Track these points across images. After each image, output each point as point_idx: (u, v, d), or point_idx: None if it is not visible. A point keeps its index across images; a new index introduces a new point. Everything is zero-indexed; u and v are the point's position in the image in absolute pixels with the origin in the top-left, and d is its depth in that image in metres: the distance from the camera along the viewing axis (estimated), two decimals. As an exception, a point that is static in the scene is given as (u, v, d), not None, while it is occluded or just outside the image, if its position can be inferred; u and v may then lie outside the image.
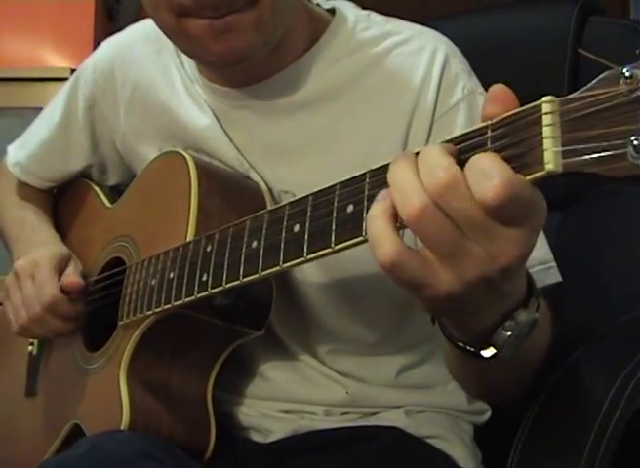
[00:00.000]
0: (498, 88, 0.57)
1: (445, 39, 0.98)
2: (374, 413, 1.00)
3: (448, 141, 0.59)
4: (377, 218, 0.57)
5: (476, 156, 0.55)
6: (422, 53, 0.94)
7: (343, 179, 0.66)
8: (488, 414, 1.06)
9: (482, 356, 0.66)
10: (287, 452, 0.96)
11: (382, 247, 0.56)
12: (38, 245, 1.09)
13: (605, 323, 1.00)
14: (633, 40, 1.14)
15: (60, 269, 1.04)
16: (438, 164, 0.55)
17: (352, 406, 1.00)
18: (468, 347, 0.67)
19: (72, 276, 1.04)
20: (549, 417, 0.86)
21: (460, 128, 0.90)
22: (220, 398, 0.99)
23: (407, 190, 0.56)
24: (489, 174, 0.53)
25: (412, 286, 0.58)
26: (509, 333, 0.64)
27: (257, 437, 1.00)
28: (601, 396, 0.82)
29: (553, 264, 0.86)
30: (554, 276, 0.86)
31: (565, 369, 0.88)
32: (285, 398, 1.00)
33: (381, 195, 0.58)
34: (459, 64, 0.95)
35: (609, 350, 0.92)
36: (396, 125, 0.93)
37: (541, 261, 0.84)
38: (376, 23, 0.98)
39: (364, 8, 1.01)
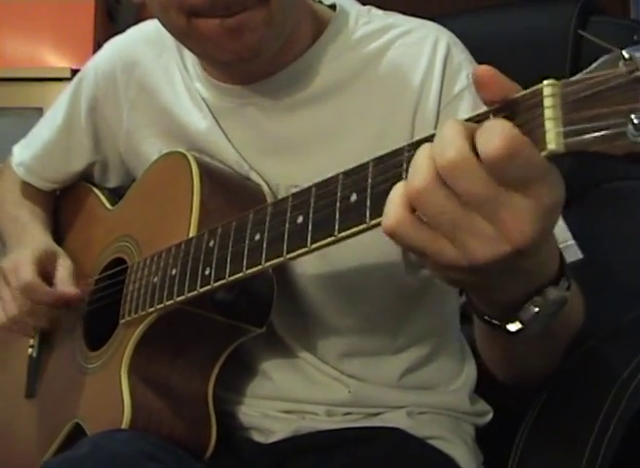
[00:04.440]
0: (479, 71, 0.57)
1: (445, 30, 0.98)
2: (375, 414, 1.00)
3: None
4: (396, 187, 0.58)
5: (489, 120, 0.55)
6: (425, 43, 0.95)
7: (346, 169, 0.67)
8: (490, 416, 1.06)
9: (508, 330, 0.66)
10: (288, 453, 0.96)
11: (386, 212, 0.58)
12: (26, 244, 1.10)
13: (607, 323, 0.99)
14: (633, 40, 1.14)
15: (41, 262, 1.05)
16: (451, 142, 0.55)
17: (354, 406, 1.00)
18: (494, 321, 0.67)
19: (67, 286, 1.04)
20: (550, 417, 0.86)
21: (465, 115, 0.91)
22: (222, 397, 0.99)
23: (415, 168, 0.57)
24: (494, 131, 0.53)
25: (414, 252, 0.59)
26: (537, 310, 0.64)
27: (258, 437, 1.00)
28: (602, 396, 0.82)
29: (571, 242, 0.85)
30: (573, 254, 0.85)
31: (567, 368, 0.88)
32: (286, 397, 1.00)
33: None
34: (461, 53, 0.96)
35: (610, 350, 0.92)
36: (402, 116, 0.93)
37: (558, 241, 0.84)
38: (377, 17, 0.99)
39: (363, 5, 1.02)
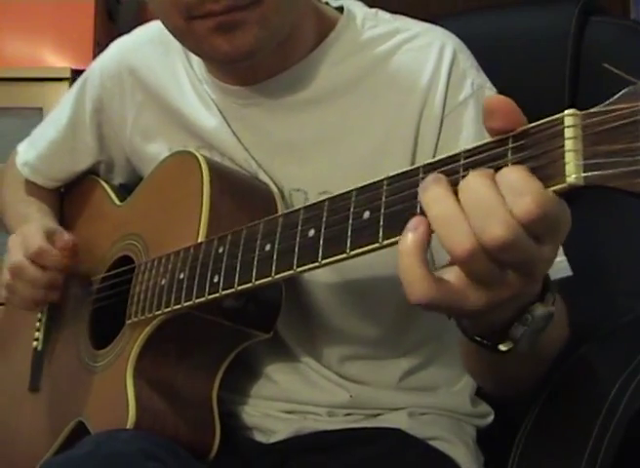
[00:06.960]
0: (494, 100, 0.56)
1: (452, 35, 0.98)
2: (377, 415, 1.00)
3: (468, 151, 0.58)
4: (408, 256, 0.57)
5: (506, 170, 0.55)
6: (431, 49, 0.95)
7: (360, 185, 0.66)
8: (491, 417, 1.06)
9: (499, 350, 0.66)
10: (290, 453, 0.96)
11: (413, 288, 0.57)
12: None
13: (606, 323, 1.00)
14: (633, 40, 1.14)
15: (48, 233, 1.04)
16: (499, 218, 0.54)
17: (355, 407, 1.00)
18: (485, 341, 0.67)
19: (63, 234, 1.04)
20: (550, 418, 0.86)
21: (469, 123, 0.91)
22: (224, 398, 0.99)
23: (455, 228, 0.55)
24: (521, 190, 0.53)
25: (442, 312, 0.60)
26: (526, 328, 0.65)
27: (259, 437, 1.00)
28: (602, 397, 0.82)
29: (562, 258, 0.85)
30: (564, 270, 0.85)
31: (566, 369, 0.88)
32: (288, 398, 1.00)
33: (412, 224, 0.57)
34: (467, 60, 0.95)
35: (610, 351, 0.92)
36: (406, 121, 0.93)
37: None
38: (383, 21, 0.99)
39: (369, 7, 1.02)
